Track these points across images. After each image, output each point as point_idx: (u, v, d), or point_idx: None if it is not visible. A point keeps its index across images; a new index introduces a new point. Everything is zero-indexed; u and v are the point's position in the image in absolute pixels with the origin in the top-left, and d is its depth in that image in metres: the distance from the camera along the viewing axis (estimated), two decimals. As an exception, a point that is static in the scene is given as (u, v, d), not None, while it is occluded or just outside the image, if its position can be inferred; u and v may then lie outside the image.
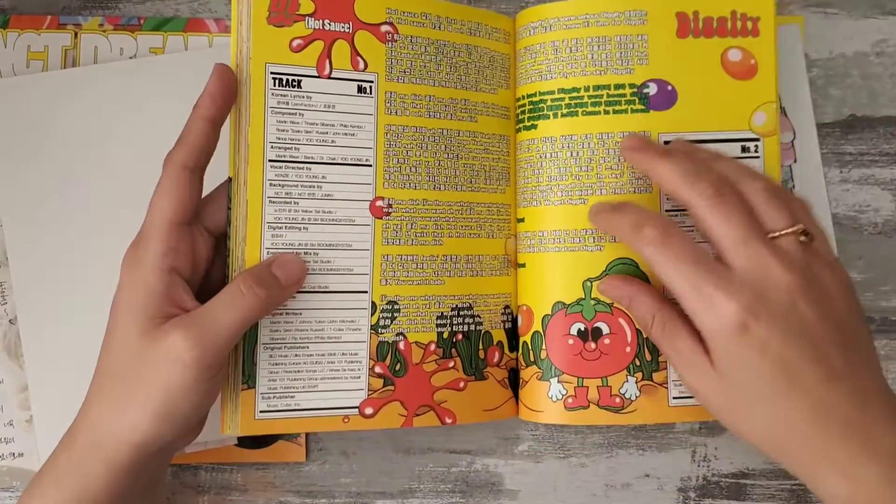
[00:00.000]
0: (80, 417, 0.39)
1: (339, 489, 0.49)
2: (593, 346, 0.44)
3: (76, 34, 0.49)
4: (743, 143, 0.44)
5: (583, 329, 0.44)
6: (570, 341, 0.44)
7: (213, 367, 0.38)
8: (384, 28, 0.43)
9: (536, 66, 0.45)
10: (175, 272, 0.39)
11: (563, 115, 0.44)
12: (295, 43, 0.42)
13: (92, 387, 0.39)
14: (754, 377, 0.37)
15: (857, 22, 0.50)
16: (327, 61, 0.42)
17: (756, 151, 0.44)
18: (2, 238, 0.48)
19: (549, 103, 0.45)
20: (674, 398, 0.44)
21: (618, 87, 0.44)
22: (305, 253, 0.42)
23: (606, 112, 0.44)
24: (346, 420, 0.43)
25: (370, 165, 0.43)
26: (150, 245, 0.39)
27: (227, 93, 0.40)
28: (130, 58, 0.49)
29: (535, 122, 0.45)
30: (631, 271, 0.44)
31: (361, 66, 0.43)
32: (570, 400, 0.44)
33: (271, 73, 0.41)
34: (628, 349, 0.44)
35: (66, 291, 0.47)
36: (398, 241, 0.43)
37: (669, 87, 0.44)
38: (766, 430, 0.37)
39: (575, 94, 0.44)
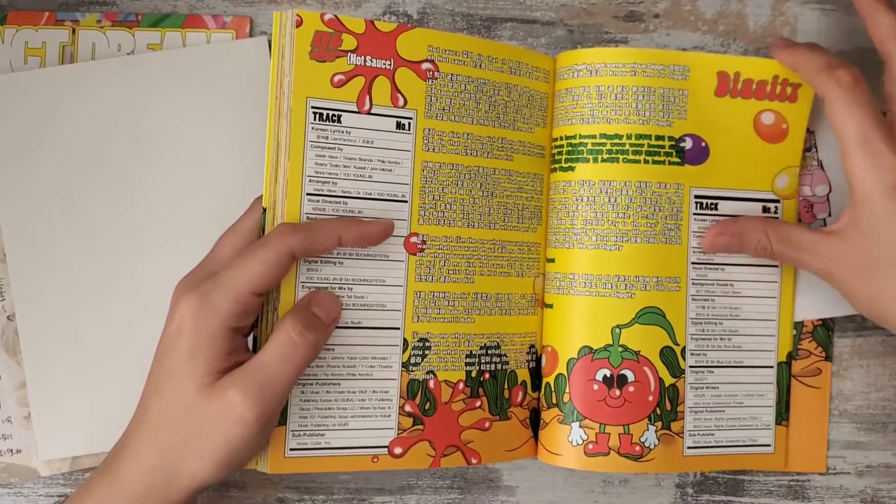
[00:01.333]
0: (128, 462, 0.39)
1: (337, 486, 0.49)
2: (618, 392, 0.44)
3: (74, 30, 0.48)
4: (764, 204, 0.46)
5: (609, 375, 0.44)
6: (595, 387, 0.44)
7: (272, 418, 0.39)
8: (425, 66, 0.43)
9: (578, 109, 0.45)
10: (240, 331, 0.39)
11: (602, 160, 0.44)
12: (336, 78, 0.42)
13: (140, 433, 0.39)
14: None
15: (854, 18, 0.50)
16: (368, 97, 0.42)
17: (776, 212, 0.46)
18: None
19: (589, 147, 0.44)
20: (688, 448, 0.45)
21: (658, 137, 0.44)
22: (340, 287, 0.42)
23: (646, 161, 0.44)
24: (375, 460, 0.42)
25: (406, 201, 0.43)
26: (224, 304, 0.38)
27: (373, 242, 0.41)
28: (128, 54, 0.48)
29: (573, 165, 0.45)
30: (659, 321, 0.44)
31: (401, 102, 0.43)
32: (590, 446, 0.44)
33: (312, 107, 0.41)
34: (651, 398, 0.44)
35: (64, 288, 0.47)
36: (431, 278, 0.43)
37: (703, 144, 0.45)
38: None
39: (617, 141, 0.44)
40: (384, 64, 0.42)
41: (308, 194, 0.41)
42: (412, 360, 0.43)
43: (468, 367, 0.44)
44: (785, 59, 0.44)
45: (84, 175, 0.48)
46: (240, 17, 0.49)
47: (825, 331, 0.48)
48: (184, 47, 0.48)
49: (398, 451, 0.43)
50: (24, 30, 0.48)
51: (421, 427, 0.43)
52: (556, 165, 0.46)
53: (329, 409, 0.42)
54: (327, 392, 0.42)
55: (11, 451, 0.47)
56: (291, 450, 0.41)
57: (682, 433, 0.45)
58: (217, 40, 0.48)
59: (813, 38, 0.49)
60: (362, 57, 0.42)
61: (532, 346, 0.46)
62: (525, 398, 0.46)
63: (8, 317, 0.47)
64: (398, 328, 0.43)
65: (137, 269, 0.47)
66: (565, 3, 0.50)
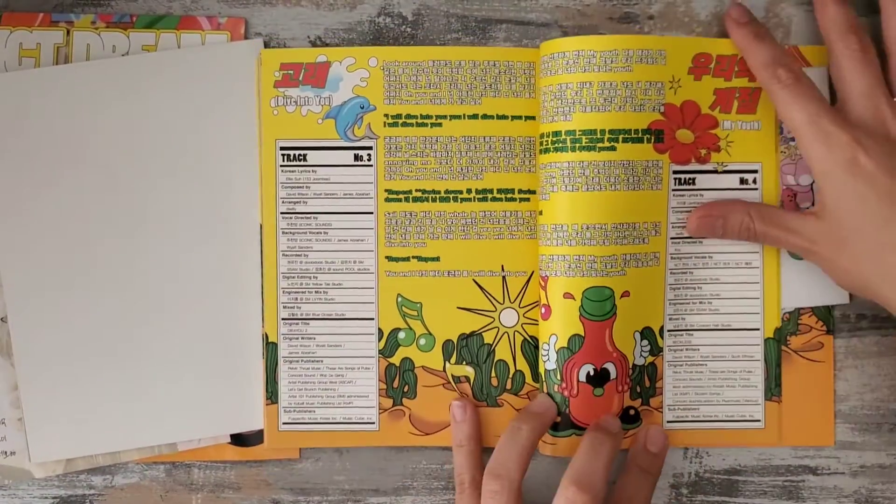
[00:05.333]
0: None
1: (332, 487, 0.49)
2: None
3: (68, 31, 0.48)
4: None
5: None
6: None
7: None
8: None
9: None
10: None
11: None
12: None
13: None
14: (863, 207, 0.41)
15: (847, 20, 0.50)
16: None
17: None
18: (-8, 236, 0.48)
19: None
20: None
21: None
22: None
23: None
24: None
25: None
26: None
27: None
28: (123, 55, 0.48)
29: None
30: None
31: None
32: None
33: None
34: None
35: (56, 289, 0.47)
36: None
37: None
38: (873, 260, 0.41)
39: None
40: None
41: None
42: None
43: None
44: (735, 38, 0.46)
45: (77, 176, 0.48)
46: (235, 18, 0.49)
47: (825, 306, 0.48)
48: (178, 49, 0.48)
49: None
50: (19, 31, 0.48)
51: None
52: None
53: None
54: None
55: (5, 453, 0.47)
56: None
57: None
58: (212, 42, 0.48)
59: (807, 39, 0.49)
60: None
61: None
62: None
63: (0, 318, 0.47)
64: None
65: (130, 270, 0.47)
66: (560, 4, 0.50)
